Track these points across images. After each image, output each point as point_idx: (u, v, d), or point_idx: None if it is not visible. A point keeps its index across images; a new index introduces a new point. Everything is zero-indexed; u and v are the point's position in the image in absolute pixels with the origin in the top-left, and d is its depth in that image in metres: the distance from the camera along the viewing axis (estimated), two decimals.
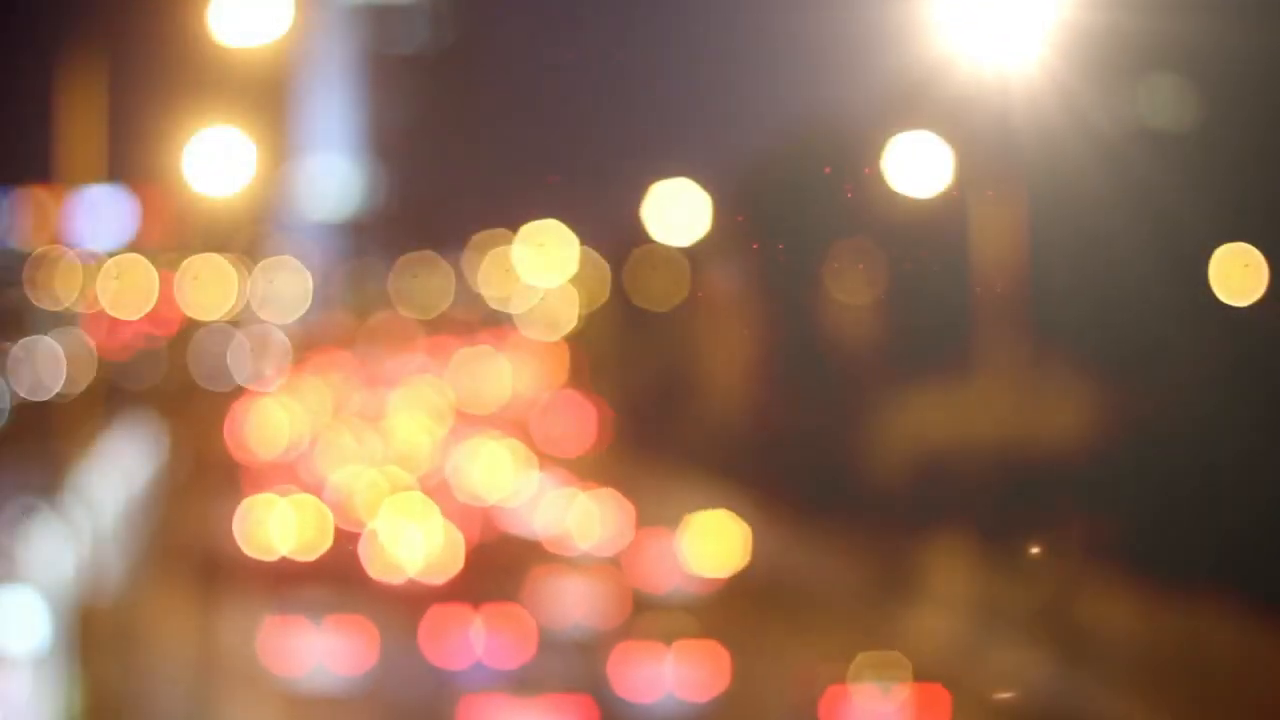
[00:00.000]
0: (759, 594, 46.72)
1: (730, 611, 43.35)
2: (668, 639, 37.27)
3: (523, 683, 36.23)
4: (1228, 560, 39.00)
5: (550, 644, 38.24)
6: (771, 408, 78.40)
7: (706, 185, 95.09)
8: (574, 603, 41.34)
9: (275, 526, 54.18)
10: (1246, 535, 38.44)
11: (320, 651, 41.62)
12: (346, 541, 51.32)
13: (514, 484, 58.59)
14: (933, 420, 53.43)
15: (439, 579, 44.91)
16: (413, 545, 48.32)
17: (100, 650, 34.04)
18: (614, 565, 45.70)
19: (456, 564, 46.55)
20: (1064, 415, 49.03)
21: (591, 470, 64.37)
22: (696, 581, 45.12)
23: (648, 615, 41.28)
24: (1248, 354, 43.02)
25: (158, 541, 62.05)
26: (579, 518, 50.50)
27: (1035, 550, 48.58)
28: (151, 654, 41.97)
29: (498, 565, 45.19)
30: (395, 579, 46.93)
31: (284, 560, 50.81)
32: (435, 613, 41.99)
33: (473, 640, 39.74)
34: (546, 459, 70.10)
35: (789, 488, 72.58)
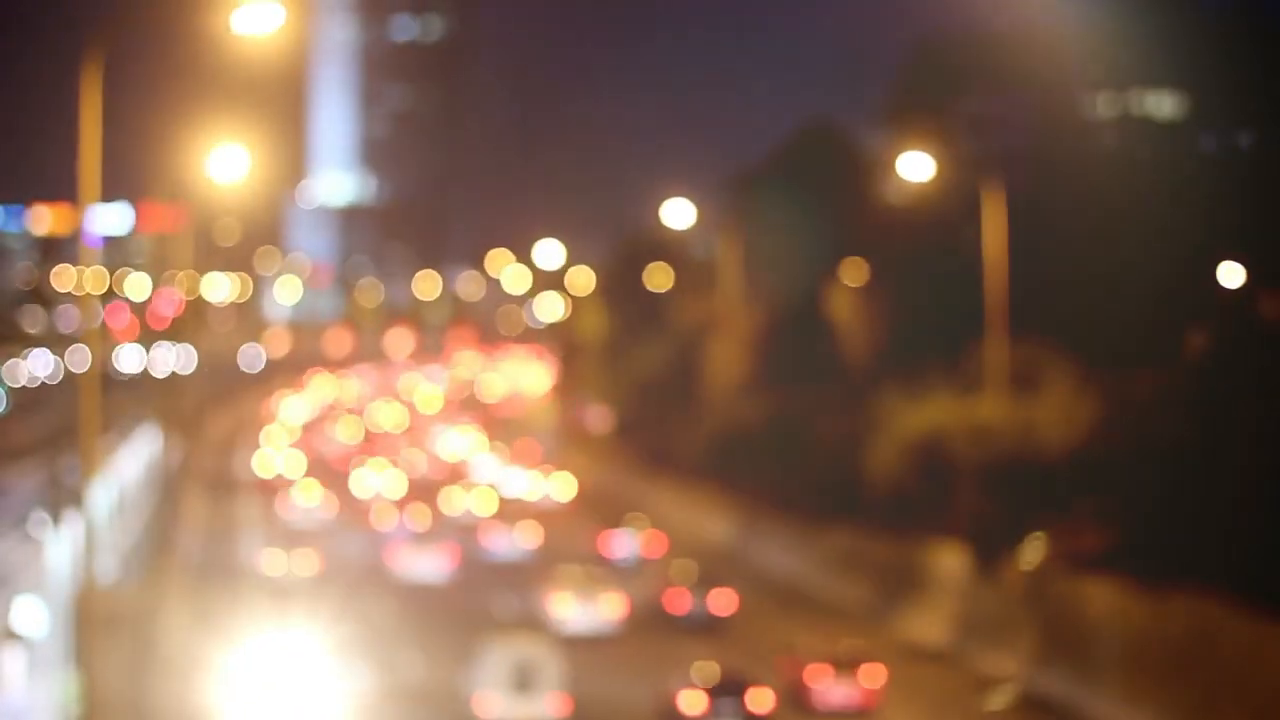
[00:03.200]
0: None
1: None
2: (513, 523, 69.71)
3: (421, 538, 64.85)
4: (1224, 556, 39.19)
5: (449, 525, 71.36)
6: (767, 404, 78.73)
7: (704, 190, 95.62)
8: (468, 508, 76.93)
9: (273, 460, 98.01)
10: (1243, 532, 38.64)
11: (303, 508, 76.96)
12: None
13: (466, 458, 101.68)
14: (930, 416, 53.59)
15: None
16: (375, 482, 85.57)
17: (101, 645, 34.51)
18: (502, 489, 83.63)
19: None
20: (1061, 412, 49.17)
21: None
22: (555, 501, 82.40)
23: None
24: (1243, 356, 43.19)
25: (162, 532, 62.67)
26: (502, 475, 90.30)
27: (1032, 546, 48.85)
28: (153, 647, 42.52)
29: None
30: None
31: (278, 477, 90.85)
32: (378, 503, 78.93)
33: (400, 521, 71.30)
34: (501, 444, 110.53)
35: (782, 480, 73.16)
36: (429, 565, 60.34)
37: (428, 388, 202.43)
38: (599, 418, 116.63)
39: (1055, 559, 47.84)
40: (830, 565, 63.43)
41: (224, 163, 74.52)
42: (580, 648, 46.80)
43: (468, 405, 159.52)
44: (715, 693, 38.96)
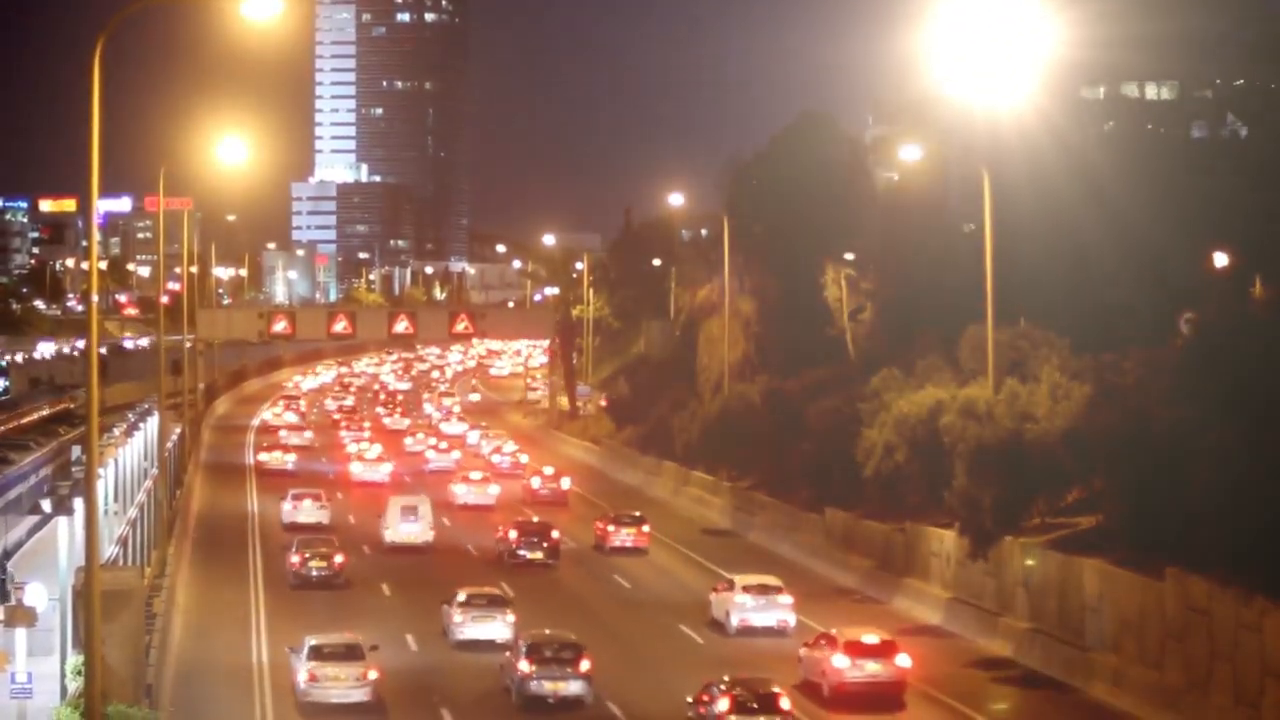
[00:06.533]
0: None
1: None
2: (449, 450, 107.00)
3: (374, 460, 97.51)
4: (1215, 535, 39.41)
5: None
6: (763, 391, 79.04)
7: (703, 177, 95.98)
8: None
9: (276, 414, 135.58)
10: (1233, 511, 38.86)
11: (293, 435, 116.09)
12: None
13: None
14: (924, 405, 53.76)
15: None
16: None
17: (107, 630, 35.07)
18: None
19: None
20: (1055, 397, 49.34)
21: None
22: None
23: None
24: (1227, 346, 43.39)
25: (166, 518, 63.17)
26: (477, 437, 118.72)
27: (1030, 533, 49.09)
28: (158, 632, 42.98)
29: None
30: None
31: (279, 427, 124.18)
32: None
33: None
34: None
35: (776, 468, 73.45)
36: (376, 472, 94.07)
37: (421, 368, 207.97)
38: (592, 398, 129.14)
39: (1050, 540, 48.22)
40: (826, 545, 63.93)
41: (228, 151, 75.22)
42: (468, 513, 79.68)
43: (457, 382, 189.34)
44: (526, 529, 65.26)
